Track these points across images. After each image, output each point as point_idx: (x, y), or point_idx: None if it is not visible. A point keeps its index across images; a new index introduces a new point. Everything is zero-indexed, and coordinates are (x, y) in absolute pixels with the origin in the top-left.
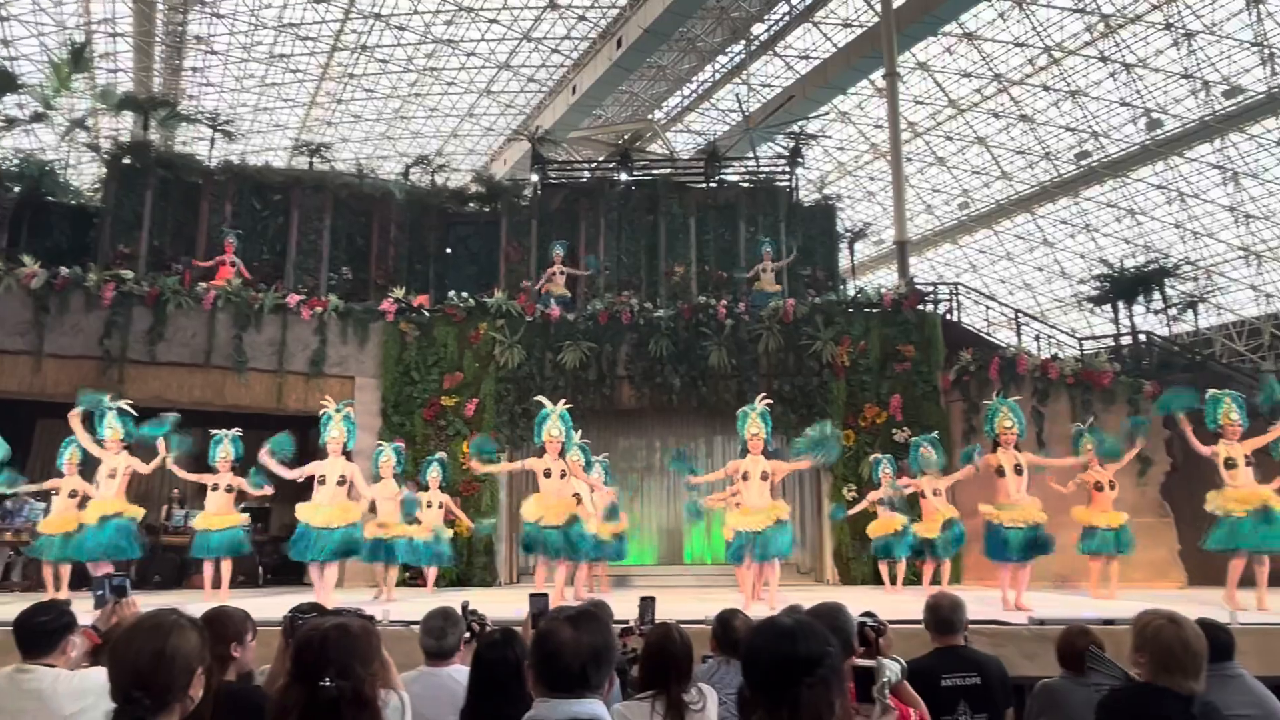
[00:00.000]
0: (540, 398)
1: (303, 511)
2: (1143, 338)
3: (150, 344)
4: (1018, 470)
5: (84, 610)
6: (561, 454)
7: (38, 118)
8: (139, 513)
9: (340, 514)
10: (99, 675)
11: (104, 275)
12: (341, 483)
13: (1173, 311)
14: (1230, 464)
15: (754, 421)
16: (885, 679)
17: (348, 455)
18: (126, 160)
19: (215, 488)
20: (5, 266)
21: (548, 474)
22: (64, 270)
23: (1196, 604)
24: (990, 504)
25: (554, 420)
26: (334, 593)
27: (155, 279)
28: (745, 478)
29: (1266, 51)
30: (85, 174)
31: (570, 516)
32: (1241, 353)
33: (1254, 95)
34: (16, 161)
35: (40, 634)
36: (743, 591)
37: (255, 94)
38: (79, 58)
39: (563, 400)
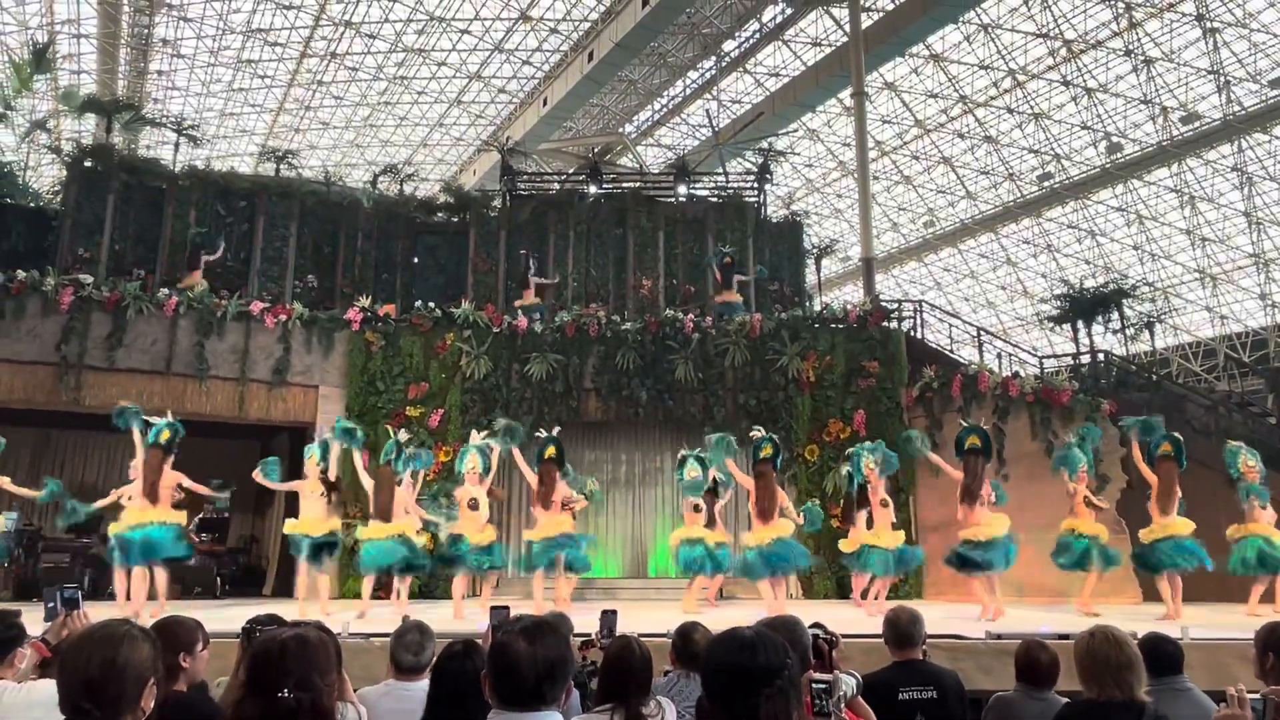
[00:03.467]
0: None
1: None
2: (1101, 357)
3: (109, 350)
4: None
5: (34, 622)
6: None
7: None
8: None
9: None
10: (47, 687)
11: (62, 279)
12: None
13: (1130, 331)
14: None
15: (868, 460)
16: (840, 693)
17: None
18: (88, 163)
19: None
20: None
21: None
22: (21, 274)
23: (1150, 619)
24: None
25: (473, 455)
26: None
27: (115, 284)
28: (885, 504)
29: (1222, 79)
30: (45, 176)
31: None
32: (1197, 372)
33: (1210, 122)
34: None
35: None
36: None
37: (222, 99)
38: (41, 58)
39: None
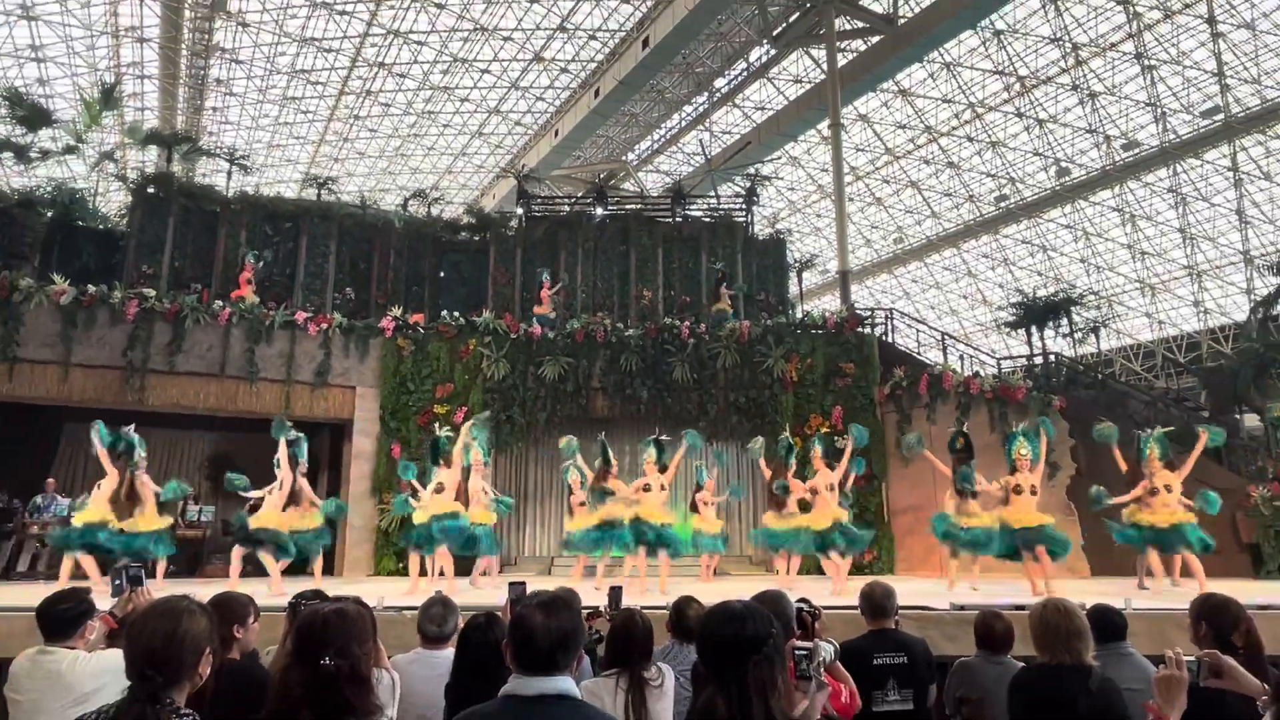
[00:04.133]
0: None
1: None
2: (1052, 358)
3: (170, 356)
4: (1033, 491)
5: (103, 597)
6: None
7: (70, 150)
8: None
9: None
10: (114, 656)
11: (128, 293)
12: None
13: (1078, 335)
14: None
15: (816, 449)
16: (820, 658)
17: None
18: (151, 190)
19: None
20: (37, 284)
21: (646, 488)
22: (91, 288)
23: (1096, 592)
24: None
25: (650, 449)
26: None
27: (175, 297)
28: (832, 490)
29: (1159, 110)
30: (113, 202)
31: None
32: (1138, 372)
33: (1148, 148)
34: (50, 189)
35: (61, 620)
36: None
37: (269, 132)
38: (109, 97)
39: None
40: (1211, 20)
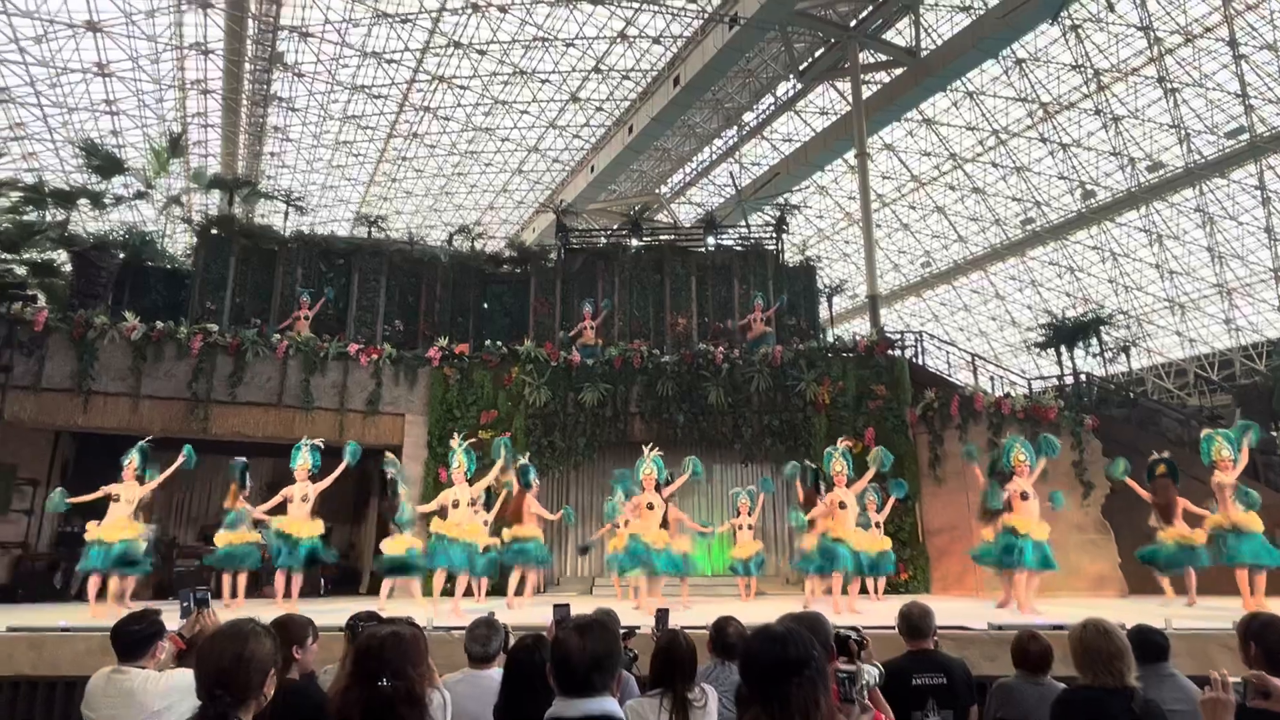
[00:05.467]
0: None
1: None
2: (1083, 378)
3: (231, 387)
4: (1024, 496)
5: (170, 618)
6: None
7: (140, 195)
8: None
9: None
10: (183, 676)
11: (193, 328)
12: (472, 504)
13: (1109, 355)
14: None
15: (838, 460)
16: (863, 682)
17: (470, 482)
18: (214, 231)
19: (117, 499)
20: (110, 321)
21: (650, 506)
22: (159, 324)
23: (1136, 611)
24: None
25: (649, 462)
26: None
27: (237, 331)
28: (843, 506)
29: (1183, 132)
30: (179, 243)
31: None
32: (1170, 390)
33: (1173, 170)
34: (122, 232)
35: (133, 640)
36: (838, 599)
37: (323, 174)
38: (176, 146)
39: (655, 449)
40: (1233, 43)
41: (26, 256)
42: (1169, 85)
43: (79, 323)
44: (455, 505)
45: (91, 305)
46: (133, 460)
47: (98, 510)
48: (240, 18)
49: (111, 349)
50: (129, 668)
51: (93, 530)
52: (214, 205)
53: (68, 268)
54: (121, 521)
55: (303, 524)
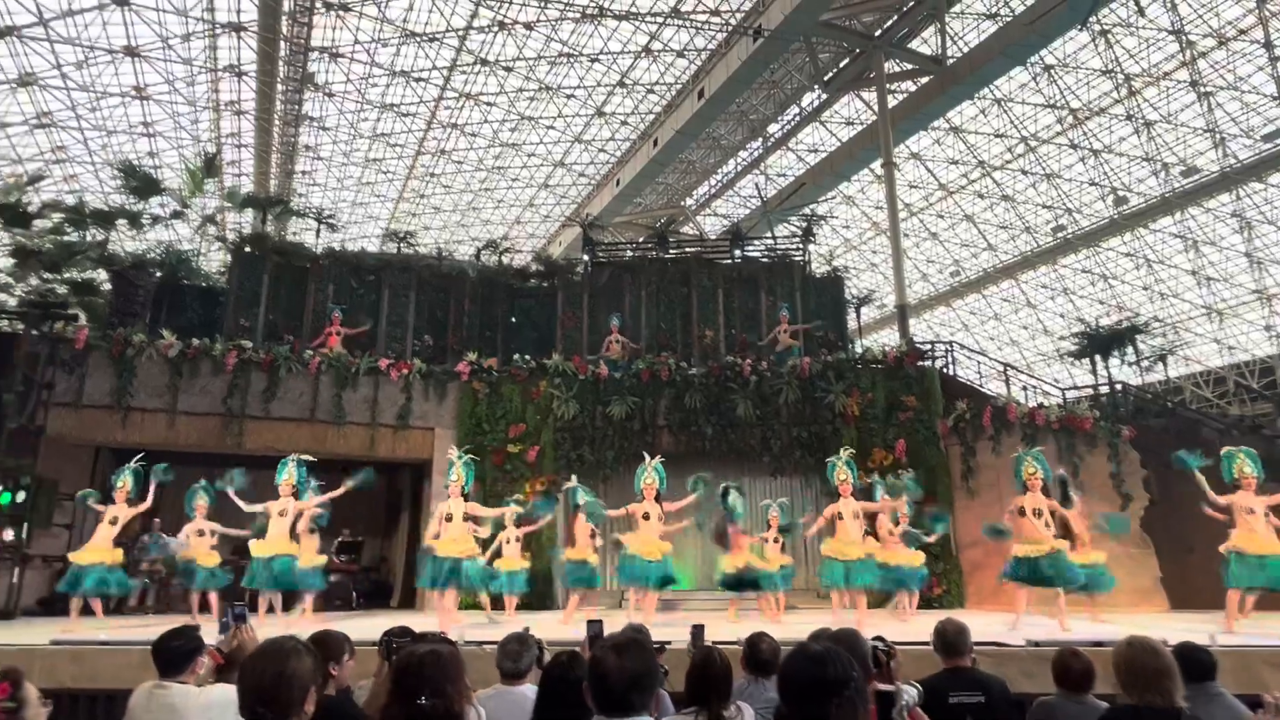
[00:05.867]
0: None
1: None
2: (1119, 387)
3: (265, 402)
4: (1037, 513)
5: (210, 634)
6: (658, 498)
7: (176, 215)
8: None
9: (458, 546)
10: (222, 691)
11: (228, 345)
12: (465, 519)
13: (1145, 364)
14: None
15: (840, 470)
16: (904, 702)
17: (465, 496)
18: (247, 249)
19: (114, 521)
20: (148, 339)
21: (645, 516)
22: (195, 342)
23: (1180, 628)
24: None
25: (650, 470)
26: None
27: (270, 348)
28: (840, 518)
29: (1218, 136)
30: (213, 261)
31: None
32: (1209, 399)
33: (1209, 174)
34: (159, 251)
35: (174, 656)
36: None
37: (353, 191)
38: (211, 166)
39: (658, 456)
40: (1268, 45)
41: (67, 276)
42: (1202, 89)
43: (118, 340)
44: (449, 519)
45: (130, 323)
46: (125, 482)
47: (139, 524)
48: (272, 40)
49: (149, 366)
50: (170, 683)
51: (79, 555)
52: (247, 224)
53: (107, 286)
54: (105, 544)
55: (274, 544)
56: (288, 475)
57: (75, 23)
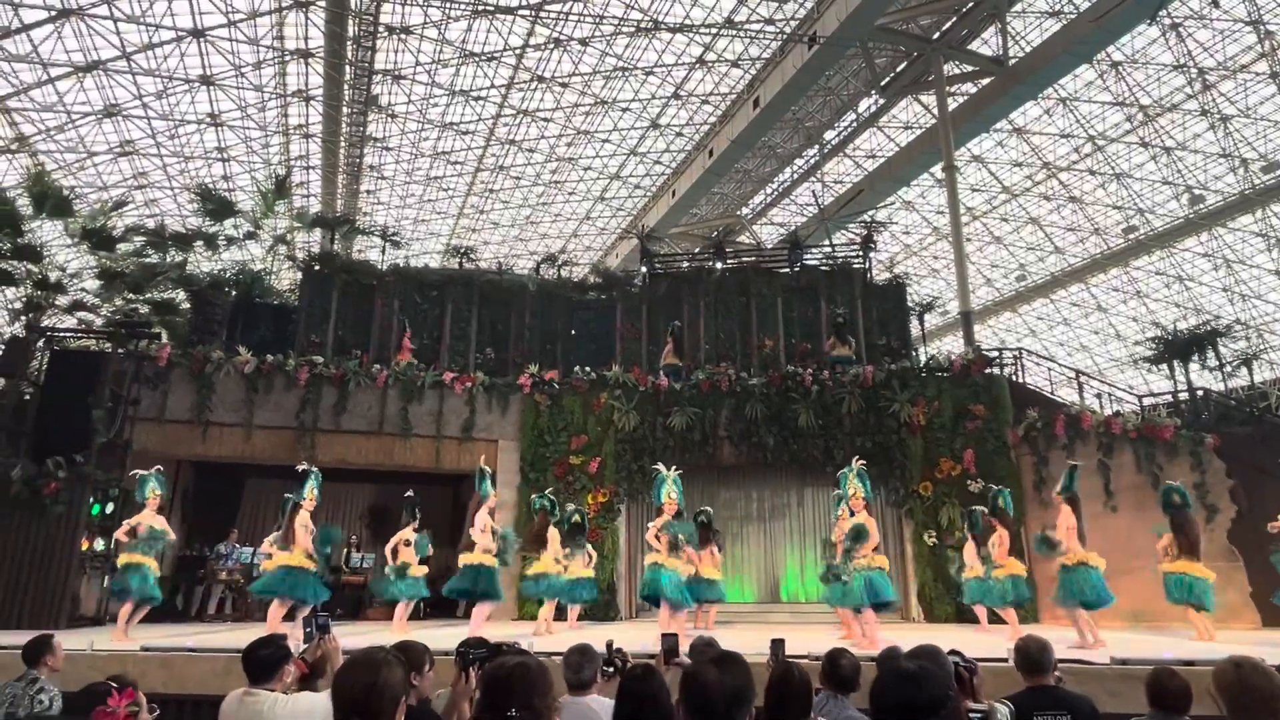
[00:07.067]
0: (659, 465)
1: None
2: (1200, 393)
3: (336, 415)
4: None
5: (294, 642)
6: (679, 514)
7: (250, 236)
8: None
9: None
10: (308, 699)
11: (300, 361)
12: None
13: (1228, 369)
14: None
15: (852, 482)
16: None
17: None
18: (317, 267)
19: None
20: (225, 356)
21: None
22: (269, 358)
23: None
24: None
25: (670, 484)
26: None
27: (340, 363)
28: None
29: None
30: (285, 279)
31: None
32: None
33: None
34: (234, 271)
35: (263, 664)
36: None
37: (415, 209)
38: (281, 188)
39: (674, 467)
40: None
41: (149, 296)
42: None
43: (198, 358)
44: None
45: (208, 341)
46: (154, 489)
47: (217, 534)
48: (338, 65)
49: (226, 382)
50: (259, 690)
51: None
52: (316, 243)
53: (186, 306)
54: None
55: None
56: (309, 490)
57: (155, 55)
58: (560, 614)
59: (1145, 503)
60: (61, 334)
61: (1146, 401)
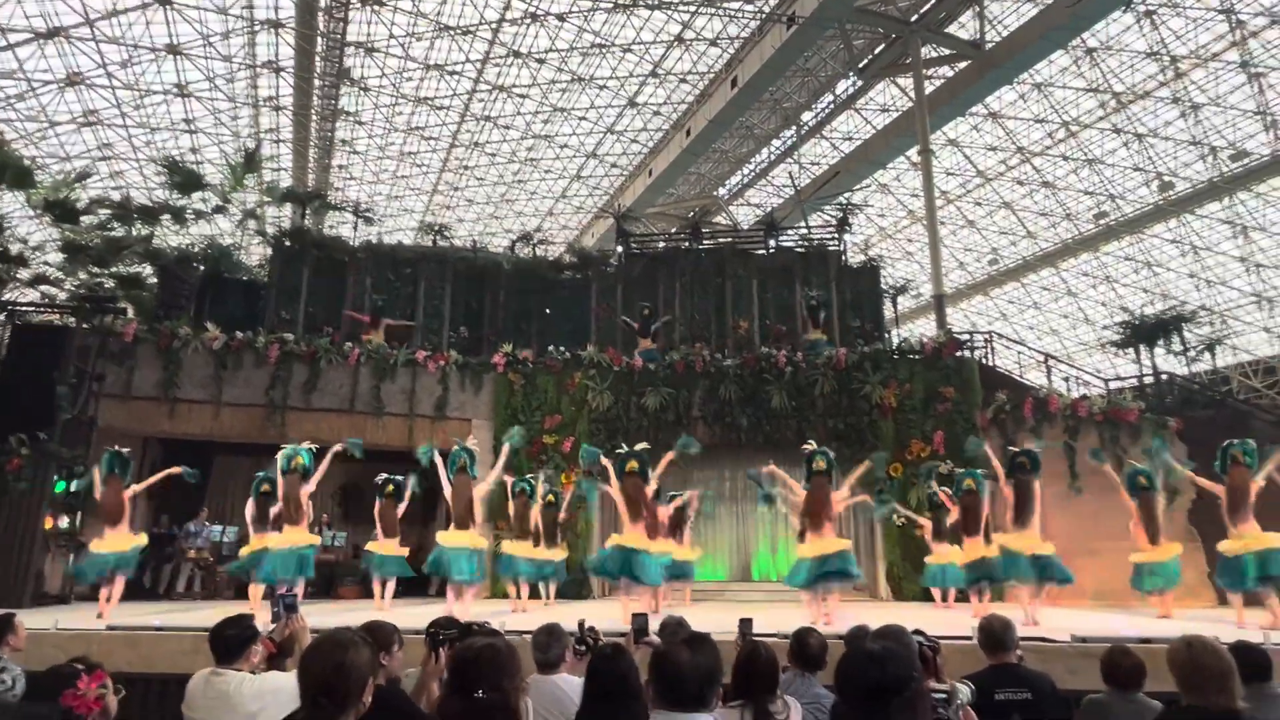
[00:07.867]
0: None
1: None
2: (1165, 377)
3: (306, 394)
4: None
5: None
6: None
7: (218, 210)
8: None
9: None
10: (274, 679)
11: (270, 338)
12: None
13: (1192, 353)
14: None
15: (819, 462)
16: (959, 701)
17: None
18: (287, 243)
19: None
20: (193, 332)
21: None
22: (238, 334)
23: (1231, 626)
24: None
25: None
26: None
27: (311, 340)
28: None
29: (1269, 118)
30: (254, 255)
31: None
32: (1258, 389)
33: (1259, 158)
34: (202, 246)
35: (230, 644)
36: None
37: (389, 185)
38: (251, 161)
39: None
40: None
41: (115, 270)
42: (1253, 70)
43: (165, 333)
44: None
45: (175, 316)
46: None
47: (187, 512)
48: (309, 36)
49: (194, 358)
50: (226, 670)
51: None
52: (286, 218)
53: (153, 280)
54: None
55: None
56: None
57: (119, 22)
58: (534, 593)
59: (1110, 485)
60: (24, 308)
61: (1113, 385)
